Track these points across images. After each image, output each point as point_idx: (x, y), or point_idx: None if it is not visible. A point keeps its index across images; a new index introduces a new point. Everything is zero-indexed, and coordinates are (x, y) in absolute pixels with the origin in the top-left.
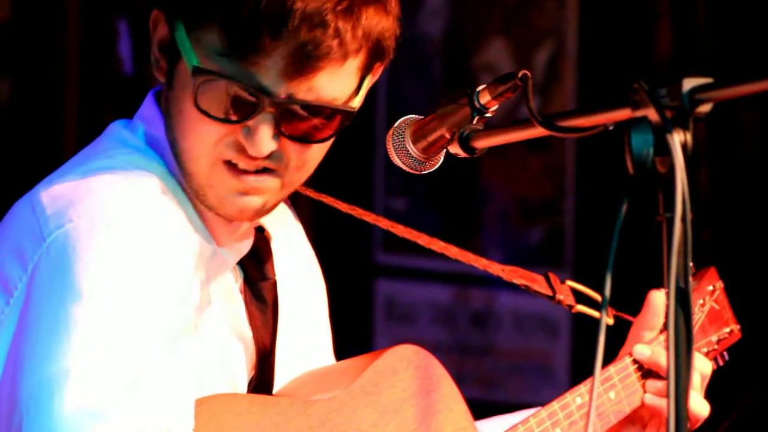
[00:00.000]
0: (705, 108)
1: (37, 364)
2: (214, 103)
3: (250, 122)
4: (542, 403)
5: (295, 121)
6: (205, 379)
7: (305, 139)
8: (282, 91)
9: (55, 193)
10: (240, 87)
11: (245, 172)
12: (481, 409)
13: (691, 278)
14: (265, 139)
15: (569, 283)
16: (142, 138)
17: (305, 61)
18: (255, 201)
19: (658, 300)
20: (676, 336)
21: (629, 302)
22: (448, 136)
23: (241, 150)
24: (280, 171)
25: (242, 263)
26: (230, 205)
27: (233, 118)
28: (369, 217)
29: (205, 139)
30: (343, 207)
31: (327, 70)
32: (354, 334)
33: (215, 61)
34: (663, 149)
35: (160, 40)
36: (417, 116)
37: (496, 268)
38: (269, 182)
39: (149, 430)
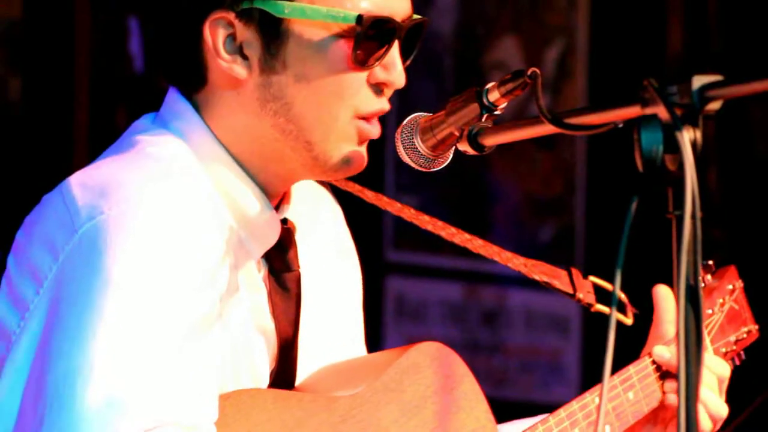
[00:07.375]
0: (715, 106)
1: (63, 355)
2: (351, 53)
3: (386, 57)
4: (553, 402)
5: (409, 42)
6: (227, 369)
7: (406, 59)
8: (403, 14)
9: (87, 184)
10: (379, 20)
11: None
12: (491, 407)
13: (711, 276)
14: (401, 66)
15: (592, 278)
16: (173, 131)
17: None
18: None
19: (668, 303)
20: (687, 335)
21: (640, 300)
22: (457, 133)
23: (369, 96)
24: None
25: (266, 254)
26: (356, 158)
27: (374, 60)
28: (393, 207)
29: (342, 99)
30: (368, 196)
31: None
32: (364, 331)
33: (357, 8)
34: (673, 147)
35: (230, 39)
36: (426, 113)
37: (518, 262)
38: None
39: (172, 423)
